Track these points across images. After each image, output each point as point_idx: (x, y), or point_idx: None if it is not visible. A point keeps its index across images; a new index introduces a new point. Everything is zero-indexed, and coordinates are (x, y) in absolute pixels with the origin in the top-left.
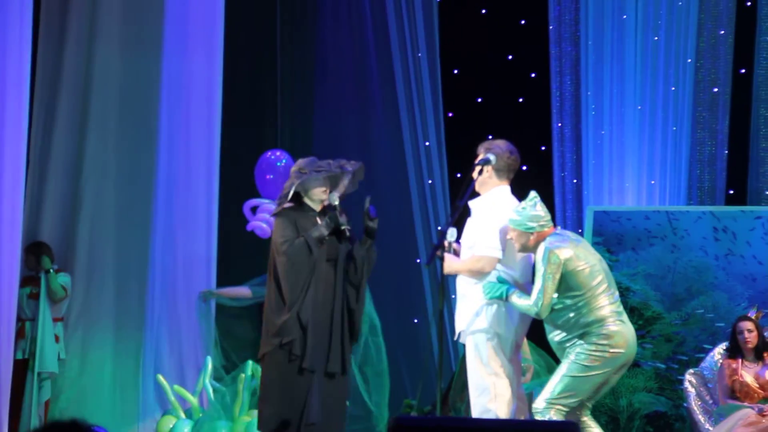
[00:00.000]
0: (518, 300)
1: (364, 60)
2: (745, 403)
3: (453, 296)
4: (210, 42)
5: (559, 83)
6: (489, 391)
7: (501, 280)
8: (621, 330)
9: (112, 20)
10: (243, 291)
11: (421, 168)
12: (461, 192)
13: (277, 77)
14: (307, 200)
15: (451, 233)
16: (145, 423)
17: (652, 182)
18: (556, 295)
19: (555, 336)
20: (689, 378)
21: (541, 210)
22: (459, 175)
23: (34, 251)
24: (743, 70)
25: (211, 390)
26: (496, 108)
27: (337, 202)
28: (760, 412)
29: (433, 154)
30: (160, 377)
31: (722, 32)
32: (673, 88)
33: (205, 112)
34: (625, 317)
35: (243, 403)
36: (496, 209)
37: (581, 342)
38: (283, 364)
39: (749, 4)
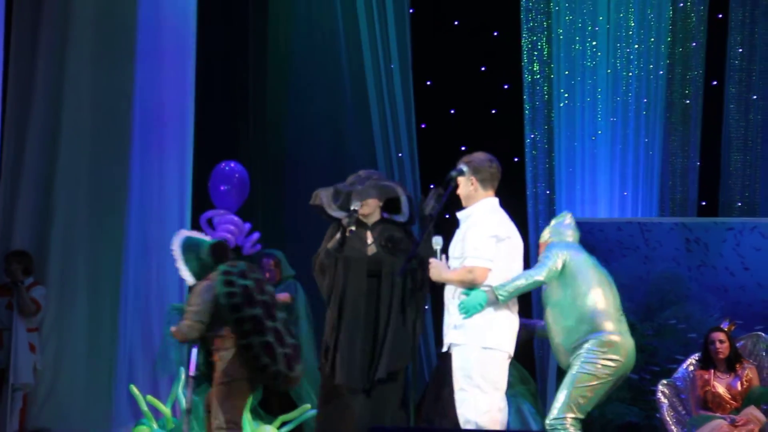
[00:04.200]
0: (509, 285)
1: (336, 71)
2: (718, 414)
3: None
4: (182, 53)
5: (531, 95)
6: (470, 402)
7: (467, 293)
8: (622, 341)
9: (84, 32)
10: None
11: (393, 179)
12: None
13: (248, 88)
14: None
15: (437, 241)
16: None
17: (625, 193)
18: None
19: (556, 336)
20: (662, 389)
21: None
22: (432, 187)
23: (18, 260)
24: (715, 82)
25: (183, 400)
26: (469, 119)
27: (358, 208)
28: (733, 423)
29: (406, 166)
30: (133, 387)
31: (694, 44)
32: (645, 100)
33: (178, 124)
34: (625, 328)
35: None
36: (488, 220)
37: (586, 350)
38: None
39: (720, 16)
